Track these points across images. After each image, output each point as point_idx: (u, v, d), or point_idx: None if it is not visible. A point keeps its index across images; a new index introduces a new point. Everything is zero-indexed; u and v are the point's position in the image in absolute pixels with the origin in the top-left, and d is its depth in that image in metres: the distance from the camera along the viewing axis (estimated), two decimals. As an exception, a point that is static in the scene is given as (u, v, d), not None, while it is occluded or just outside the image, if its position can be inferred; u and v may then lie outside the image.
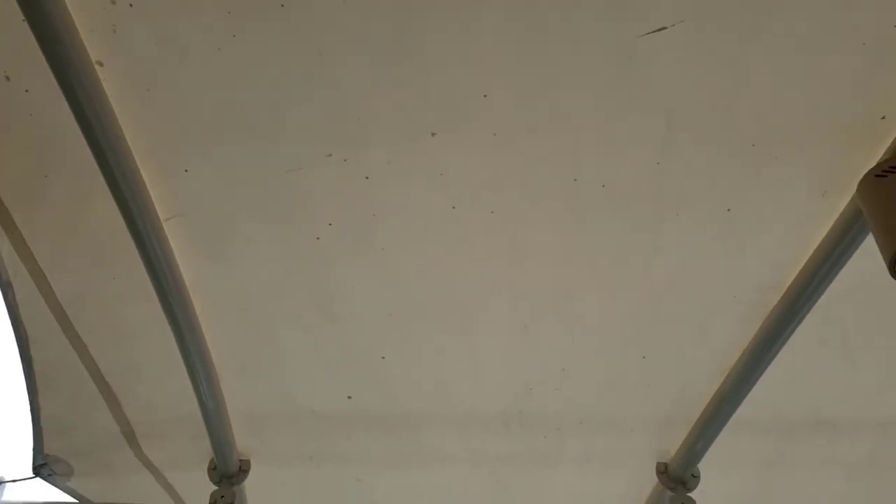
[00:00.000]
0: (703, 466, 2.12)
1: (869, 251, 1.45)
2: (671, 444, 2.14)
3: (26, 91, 1.39)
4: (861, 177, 1.43)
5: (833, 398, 2.01)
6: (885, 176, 1.41)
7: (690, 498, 2.13)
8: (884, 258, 1.37)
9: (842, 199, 1.52)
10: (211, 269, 1.71)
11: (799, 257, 1.63)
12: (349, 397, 2.04)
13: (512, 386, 2.03)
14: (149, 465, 2.21)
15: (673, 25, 1.29)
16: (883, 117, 1.41)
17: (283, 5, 1.28)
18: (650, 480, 2.21)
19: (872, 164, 1.44)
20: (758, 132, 1.45)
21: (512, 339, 1.87)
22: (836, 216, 1.54)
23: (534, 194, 1.56)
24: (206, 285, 1.73)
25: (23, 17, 1.20)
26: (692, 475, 2.15)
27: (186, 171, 1.52)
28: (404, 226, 1.61)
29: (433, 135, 1.46)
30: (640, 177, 1.52)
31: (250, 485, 2.24)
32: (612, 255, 1.67)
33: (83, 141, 1.38)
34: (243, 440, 2.17)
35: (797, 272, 1.64)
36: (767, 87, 1.39)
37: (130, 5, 1.28)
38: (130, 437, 2.14)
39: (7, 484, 2.20)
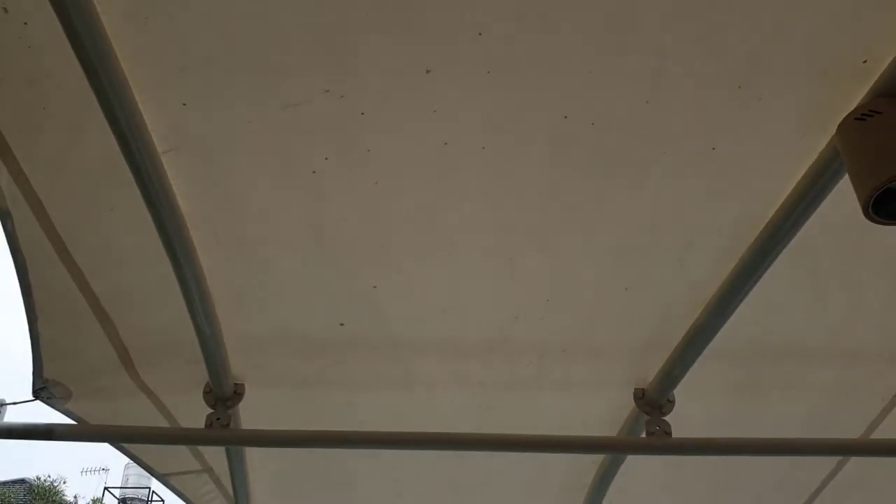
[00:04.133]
0: (679, 392, 2.23)
1: (845, 191, 1.51)
2: (649, 371, 2.25)
3: (25, 24, 1.40)
4: (841, 119, 1.49)
5: (803, 329, 2.11)
6: (864, 119, 1.46)
7: (665, 422, 2.24)
8: (858, 200, 1.43)
9: (821, 140, 1.57)
10: (208, 201, 1.74)
11: (778, 195, 1.69)
12: (341, 324, 2.11)
13: (497, 315, 2.10)
14: (144, 389, 2.28)
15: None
16: (865, 61, 1.45)
17: (282, -59, 1.29)
18: (628, 405, 2.33)
19: (852, 107, 1.49)
20: (744, 73, 1.49)
21: (498, 270, 1.94)
22: (814, 156, 1.60)
23: (525, 130, 1.60)
24: (202, 217, 1.77)
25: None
26: (668, 400, 2.26)
27: (184, 104, 1.54)
28: (397, 160, 1.65)
29: (427, 72, 1.49)
30: (629, 115, 1.56)
31: (244, 407, 2.32)
32: (597, 190, 1.72)
33: (81, 73, 1.39)
34: (238, 365, 2.25)
35: (776, 209, 1.71)
36: (756, 29, 1.43)
37: (129, -62, 1.28)
38: (127, 361, 2.20)
39: (7, 406, 2.28)
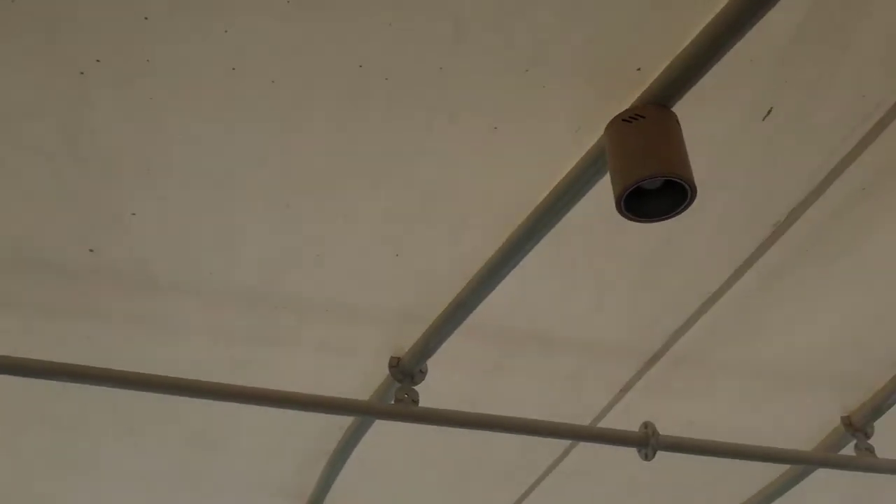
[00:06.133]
0: (432, 364, 2.29)
1: (607, 187, 1.62)
2: (407, 341, 2.29)
3: None
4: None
5: (553, 316, 2.24)
6: (630, 122, 1.58)
7: (415, 391, 2.30)
8: (614, 196, 1.54)
9: (592, 137, 1.68)
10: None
11: (548, 182, 1.78)
12: (91, 250, 1.95)
13: (263, 264, 2.04)
14: None
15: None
16: (638, 69, 1.57)
17: None
18: (384, 372, 2.35)
19: (623, 109, 1.61)
20: (532, 59, 1.56)
21: (272, 215, 1.88)
22: (584, 152, 1.70)
23: (316, 73, 1.56)
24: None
25: None
26: (420, 371, 2.31)
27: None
28: (179, 78, 1.54)
29: (224, -10, 1.41)
30: (422, 77, 1.57)
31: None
32: (382, 148, 1.72)
33: None
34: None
35: (543, 196, 1.80)
36: (543, 21, 1.50)
37: None
38: None
39: None
